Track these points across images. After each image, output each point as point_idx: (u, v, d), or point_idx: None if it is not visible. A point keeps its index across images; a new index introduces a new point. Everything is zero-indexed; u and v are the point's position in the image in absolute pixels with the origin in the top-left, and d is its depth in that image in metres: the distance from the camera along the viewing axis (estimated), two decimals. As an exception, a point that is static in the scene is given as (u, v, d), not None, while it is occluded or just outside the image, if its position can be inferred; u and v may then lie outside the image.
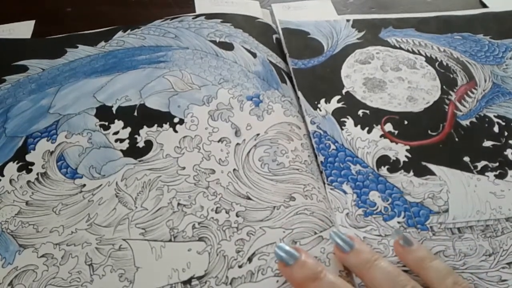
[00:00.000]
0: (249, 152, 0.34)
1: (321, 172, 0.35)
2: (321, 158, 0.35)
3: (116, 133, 0.36)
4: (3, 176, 0.33)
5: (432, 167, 0.35)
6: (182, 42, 0.42)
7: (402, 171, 0.34)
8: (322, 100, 0.39)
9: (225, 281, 0.28)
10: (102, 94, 0.38)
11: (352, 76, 0.41)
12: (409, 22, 0.48)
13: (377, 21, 0.48)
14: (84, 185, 0.33)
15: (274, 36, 0.45)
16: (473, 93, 0.41)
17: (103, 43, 0.43)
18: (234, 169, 0.34)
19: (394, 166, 0.35)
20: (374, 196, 0.33)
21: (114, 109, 0.37)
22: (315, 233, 0.31)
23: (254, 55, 0.42)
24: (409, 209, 0.32)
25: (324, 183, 0.34)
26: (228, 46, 0.42)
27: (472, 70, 0.43)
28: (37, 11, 0.47)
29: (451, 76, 0.42)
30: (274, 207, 0.32)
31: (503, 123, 0.38)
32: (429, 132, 0.37)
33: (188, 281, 0.28)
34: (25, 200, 0.32)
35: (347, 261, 0.28)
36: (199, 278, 0.28)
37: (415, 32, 0.47)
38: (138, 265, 0.29)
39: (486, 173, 0.34)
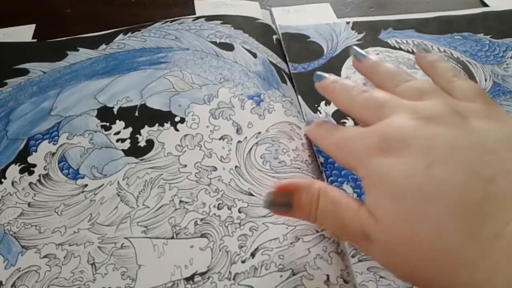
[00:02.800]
0: (250, 149, 0.34)
1: (321, 172, 0.35)
2: (321, 159, 0.35)
3: (117, 133, 0.36)
4: (5, 178, 0.33)
5: None
6: (183, 43, 0.43)
7: None
8: (322, 103, 0.39)
9: (228, 277, 0.28)
10: (103, 96, 0.38)
11: (352, 77, 0.41)
12: (409, 23, 0.48)
13: (377, 23, 0.48)
14: (86, 185, 0.33)
15: (274, 37, 0.45)
16: None
17: (104, 45, 0.43)
18: (236, 166, 0.33)
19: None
20: (374, 195, 0.33)
21: (115, 110, 0.37)
22: (317, 231, 0.30)
23: (254, 55, 0.42)
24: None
25: (325, 184, 0.34)
26: (229, 47, 0.42)
27: (472, 69, 0.43)
28: (37, 12, 0.48)
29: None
30: (277, 203, 0.31)
31: None
32: None
33: (191, 278, 0.28)
34: (27, 202, 0.32)
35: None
36: (202, 274, 0.28)
37: (415, 33, 0.47)
38: (140, 263, 0.29)
39: None
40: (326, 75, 0.31)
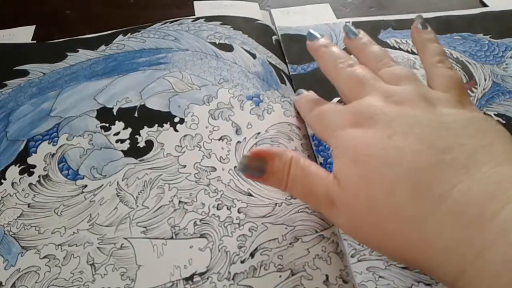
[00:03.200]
0: (250, 150, 0.34)
1: None
2: (320, 159, 0.35)
3: (116, 134, 0.36)
4: (5, 179, 0.33)
5: None
6: (182, 44, 0.43)
7: None
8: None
9: (227, 277, 0.28)
10: (102, 97, 0.38)
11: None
12: (409, 23, 0.47)
13: (376, 23, 0.48)
14: (86, 185, 0.33)
15: (274, 38, 0.45)
16: (473, 92, 0.41)
17: (103, 46, 0.43)
18: (235, 167, 0.33)
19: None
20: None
21: (114, 111, 0.37)
22: (316, 231, 0.30)
23: (253, 56, 0.42)
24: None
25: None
26: (228, 48, 0.42)
27: (471, 69, 0.43)
28: (37, 14, 0.48)
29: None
30: (276, 204, 0.31)
31: (503, 121, 0.38)
32: None
33: (190, 278, 0.28)
34: (27, 203, 0.32)
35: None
36: (201, 274, 0.28)
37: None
38: (139, 263, 0.29)
39: None
40: (318, 35, 0.34)
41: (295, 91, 0.40)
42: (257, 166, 0.27)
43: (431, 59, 0.31)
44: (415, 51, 0.44)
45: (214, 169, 0.33)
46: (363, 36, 0.34)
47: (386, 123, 0.25)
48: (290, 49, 0.44)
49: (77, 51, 0.43)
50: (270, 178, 0.27)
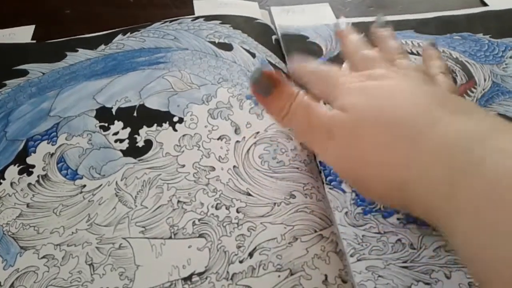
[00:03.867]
0: (249, 149, 0.34)
1: (320, 172, 0.35)
2: (319, 158, 0.35)
3: (115, 133, 0.36)
4: (4, 179, 0.33)
5: None
6: (182, 43, 0.43)
7: None
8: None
9: (226, 277, 0.28)
10: (102, 96, 0.38)
11: (351, 71, 0.41)
12: (409, 23, 0.48)
13: (377, 24, 0.48)
14: (84, 185, 0.33)
15: (273, 37, 0.45)
16: (472, 92, 0.41)
17: (103, 46, 0.43)
18: (234, 166, 0.33)
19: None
20: (374, 193, 0.33)
21: (113, 110, 0.37)
22: (315, 231, 0.30)
23: (253, 55, 0.42)
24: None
25: (323, 183, 0.34)
26: (227, 47, 0.42)
27: (471, 69, 0.43)
28: (37, 13, 0.48)
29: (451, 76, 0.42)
30: (275, 203, 0.31)
31: None
32: None
33: (189, 278, 0.28)
34: (26, 203, 0.32)
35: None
36: (200, 274, 0.28)
37: (414, 33, 0.46)
38: (138, 263, 0.29)
39: None
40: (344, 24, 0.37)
41: None
42: (266, 84, 0.29)
43: (391, 53, 0.33)
44: (414, 51, 0.44)
45: (213, 168, 0.33)
46: (349, 32, 0.36)
47: (398, 76, 0.28)
48: (290, 48, 0.44)
49: (77, 51, 0.43)
50: (274, 101, 0.29)
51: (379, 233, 0.31)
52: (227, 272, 0.28)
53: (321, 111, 0.28)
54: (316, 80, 0.32)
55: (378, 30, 0.36)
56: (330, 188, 0.33)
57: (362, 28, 0.46)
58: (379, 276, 0.29)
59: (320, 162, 0.35)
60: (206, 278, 0.28)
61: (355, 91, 0.28)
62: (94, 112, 0.37)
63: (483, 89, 0.41)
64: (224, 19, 0.45)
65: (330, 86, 0.30)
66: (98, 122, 0.36)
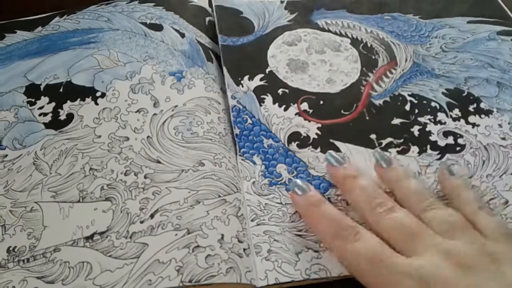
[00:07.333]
0: (165, 121, 0.36)
1: (234, 144, 0.36)
2: (236, 131, 0.37)
3: (41, 107, 0.37)
4: None
5: (339, 144, 0.36)
6: (114, 24, 0.44)
7: (311, 147, 0.36)
8: (246, 77, 0.41)
9: (125, 235, 0.30)
10: (32, 74, 0.40)
11: (278, 56, 0.43)
12: (341, 2, 0.49)
13: (310, 3, 0.49)
14: (6, 155, 0.35)
15: (208, 19, 0.46)
16: (392, 73, 0.42)
17: (40, 28, 0.44)
18: (148, 136, 0.35)
19: (303, 142, 0.36)
20: (281, 168, 0.35)
21: (42, 87, 0.39)
22: (219, 196, 0.32)
23: (182, 35, 0.43)
24: (311, 182, 0.34)
25: (236, 154, 0.36)
26: (157, 27, 0.44)
27: (395, 50, 0.44)
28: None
29: (373, 57, 0.43)
30: (183, 170, 0.33)
31: (416, 101, 0.39)
32: (342, 111, 0.39)
33: (90, 237, 0.30)
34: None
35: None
36: (101, 233, 0.30)
37: (346, 13, 0.48)
38: (46, 224, 0.31)
39: (389, 149, 0.36)
40: (340, 159, 0.33)
41: (222, 62, 0.41)
42: None
43: (470, 206, 0.29)
44: (343, 32, 0.46)
45: (127, 138, 0.35)
46: (397, 167, 0.33)
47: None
48: (223, 20, 0.45)
49: (15, 32, 0.44)
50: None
51: (280, 203, 0.33)
52: (127, 231, 0.30)
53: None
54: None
55: (450, 179, 0.32)
56: (242, 159, 0.35)
57: (297, 7, 0.48)
58: (275, 240, 0.31)
59: (236, 134, 0.37)
60: (106, 237, 0.30)
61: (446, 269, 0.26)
62: (24, 89, 0.39)
63: (403, 70, 0.42)
64: (158, 1, 0.47)
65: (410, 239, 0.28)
66: (26, 98, 0.38)
